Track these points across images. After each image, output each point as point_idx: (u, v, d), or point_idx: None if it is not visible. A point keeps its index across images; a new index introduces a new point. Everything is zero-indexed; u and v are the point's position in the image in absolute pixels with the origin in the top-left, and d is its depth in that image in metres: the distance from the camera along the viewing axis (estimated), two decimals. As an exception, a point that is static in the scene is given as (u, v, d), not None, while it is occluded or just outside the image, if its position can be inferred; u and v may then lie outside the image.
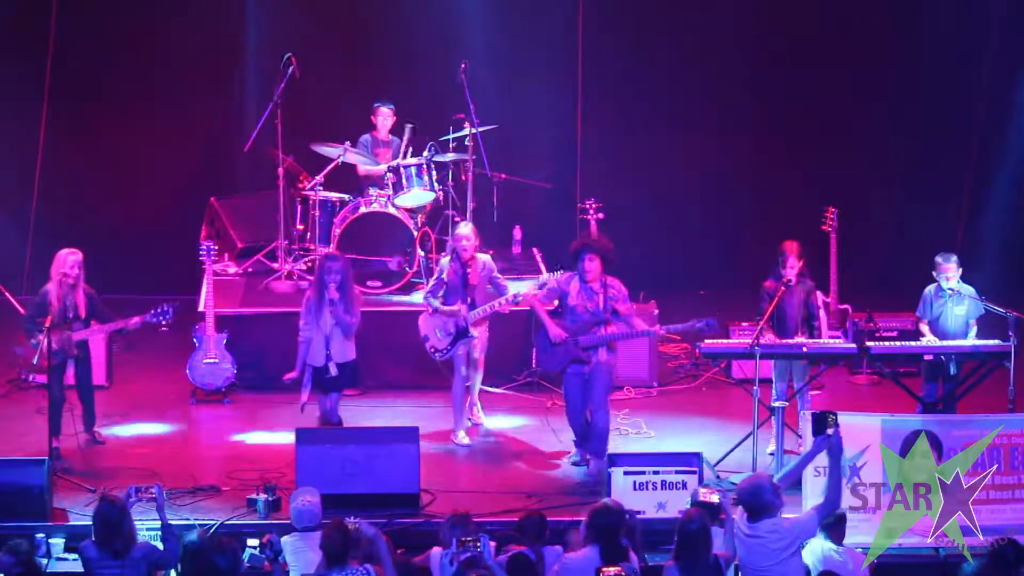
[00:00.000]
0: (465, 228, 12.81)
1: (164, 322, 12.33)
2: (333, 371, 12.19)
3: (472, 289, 12.72)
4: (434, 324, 12.81)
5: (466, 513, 9.75)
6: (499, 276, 12.89)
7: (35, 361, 12.03)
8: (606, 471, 11.17)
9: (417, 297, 13.95)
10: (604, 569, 8.82)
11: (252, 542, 9.77)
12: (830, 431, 9.50)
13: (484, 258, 12.86)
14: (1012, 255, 17.13)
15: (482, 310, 12.64)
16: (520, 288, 12.72)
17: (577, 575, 9.17)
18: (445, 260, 12.89)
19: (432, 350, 12.85)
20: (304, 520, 9.96)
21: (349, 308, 12.18)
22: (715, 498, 9.57)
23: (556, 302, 12.31)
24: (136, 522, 9.61)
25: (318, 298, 12.21)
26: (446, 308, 12.67)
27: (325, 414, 12.38)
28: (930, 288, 12.46)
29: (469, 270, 12.69)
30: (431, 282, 12.99)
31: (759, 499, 9.15)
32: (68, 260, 12.17)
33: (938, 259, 12.39)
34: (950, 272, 12.31)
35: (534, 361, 14.04)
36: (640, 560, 9.51)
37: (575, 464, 12.29)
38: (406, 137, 15.18)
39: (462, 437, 12.79)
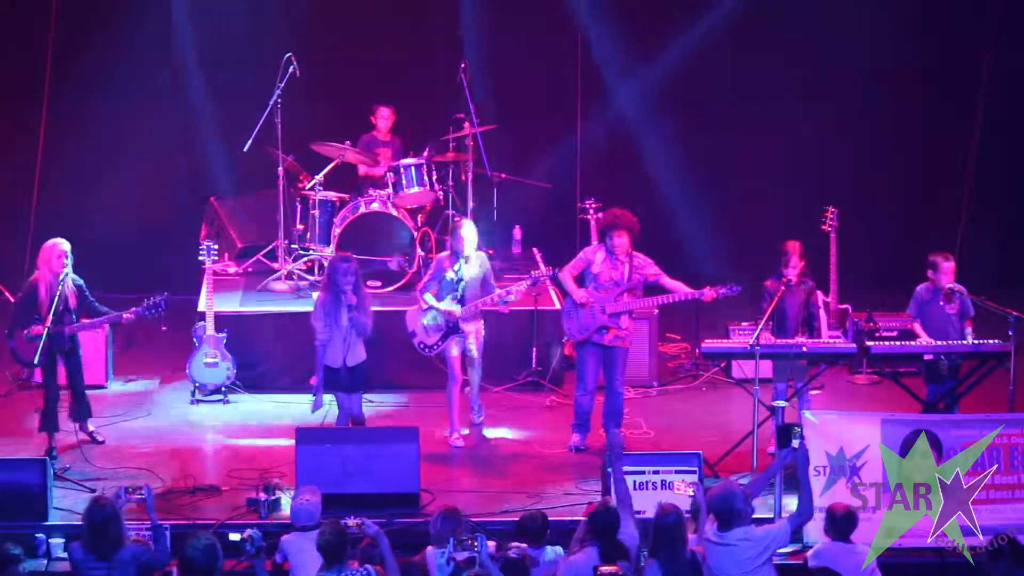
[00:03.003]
0: (467, 229, 12.61)
1: (159, 314, 12.13)
2: (344, 372, 11.99)
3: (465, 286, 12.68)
4: (422, 320, 12.72)
5: (456, 509, 9.74)
6: (491, 277, 12.69)
7: (36, 360, 11.81)
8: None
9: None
10: (601, 568, 8.83)
11: (234, 536, 9.72)
12: (795, 443, 9.48)
13: (480, 256, 12.77)
14: (1012, 255, 17.13)
15: (472, 306, 12.56)
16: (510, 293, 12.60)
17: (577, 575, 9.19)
18: (443, 255, 12.77)
19: (421, 346, 12.71)
20: (302, 519, 9.94)
21: (363, 309, 12.04)
22: (690, 491, 9.56)
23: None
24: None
25: (333, 300, 11.98)
26: (438, 305, 12.58)
27: (350, 416, 12.13)
28: (922, 287, 12.42)
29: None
30: (425, 277, 12.85)
31: (730, 507, 9.13)
32: (54, 252, 11.98)
33: (938, 259, 12.29)
34: (951, 272, 12.27)
35: (534, 361, 14.05)
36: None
37: (577, 450, 12.41)
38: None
39: (456, 439, 12.72)
